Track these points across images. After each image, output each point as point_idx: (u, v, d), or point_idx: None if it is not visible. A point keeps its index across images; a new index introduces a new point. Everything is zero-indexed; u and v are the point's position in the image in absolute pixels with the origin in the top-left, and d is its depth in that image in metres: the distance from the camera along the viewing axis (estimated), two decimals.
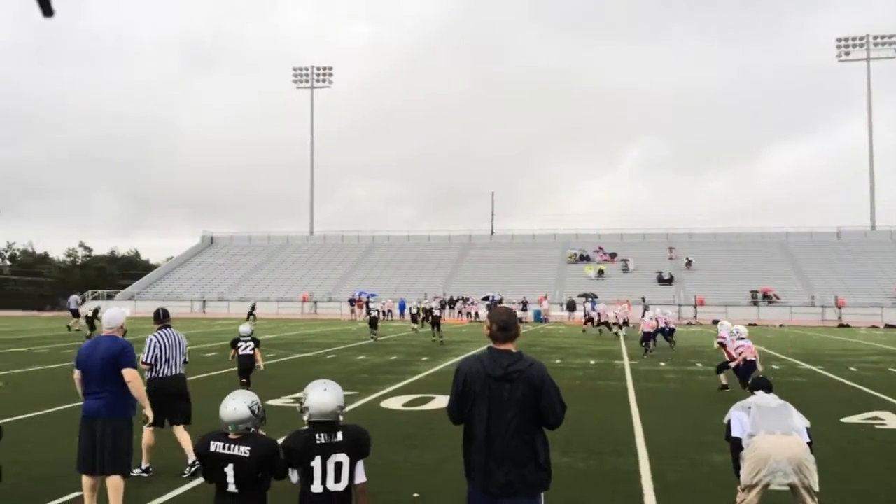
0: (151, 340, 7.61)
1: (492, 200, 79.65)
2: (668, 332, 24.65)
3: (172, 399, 7.56)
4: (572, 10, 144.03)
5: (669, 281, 59.00)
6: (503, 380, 3.98)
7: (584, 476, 7.51)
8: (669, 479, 7.38)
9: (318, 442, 3.87)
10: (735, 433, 5.58)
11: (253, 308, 45.30)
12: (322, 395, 3.97)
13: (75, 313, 35.34)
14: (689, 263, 62.05)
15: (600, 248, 66.88)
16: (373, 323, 28.36)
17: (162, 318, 8.06)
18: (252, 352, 12.73)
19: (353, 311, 50.53)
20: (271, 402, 11.51)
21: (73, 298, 37.85)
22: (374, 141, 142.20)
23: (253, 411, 3.97)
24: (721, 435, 5.88)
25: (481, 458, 3.99)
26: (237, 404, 3.94)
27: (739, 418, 5.62)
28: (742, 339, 12.65)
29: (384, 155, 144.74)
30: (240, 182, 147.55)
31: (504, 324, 4.12)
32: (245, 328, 12.93)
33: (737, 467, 5.53)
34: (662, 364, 19.14)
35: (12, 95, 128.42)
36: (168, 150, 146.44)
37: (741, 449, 5.47)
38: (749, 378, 11.76)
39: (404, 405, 11.86)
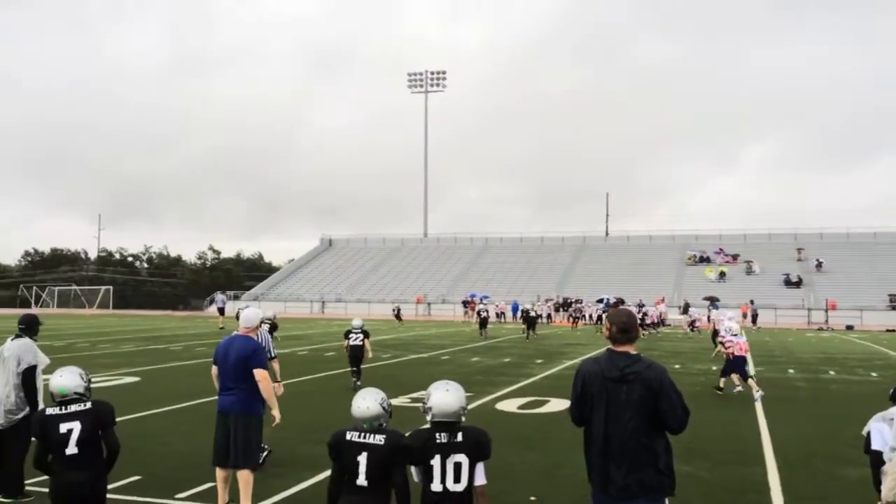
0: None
1: (606, 201, 78.31)
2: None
3: None
4: (693, 5, 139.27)
5: (798, 284, 55.93)
6: (620, 381, 3.97)
7: (709, 486, 7.25)
8: (801, 493, 7.01)
9: (438, 441, 3.93)
10: (875, 446, 5.24)
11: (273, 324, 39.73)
12: (445, 396, 4.04)
13: (222, 311, 37.76)
14: (819, 265, 58.60)
15: (721, 250, 64.24)
16: (483, 323, 30.08)
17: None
18: (361, 342, 13.89)
19: (466, 313, 50.87)
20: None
21: (220, 297, 40.27)
22: (487, 143, 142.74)
23: (384, 407, 4.12)
24: (858, 447, 5.54)
25: (600, 459, 3.99)
26: (369, 403, 4.09)
27: (880, 430, 5.28)
28: (734, 335, 13.40)
29: (497, 157, 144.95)
30: (357, 186, 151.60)
31: (624, 325, 4.11)
32: (357, 322, 14.24)
33: (877, 482, 5.18)
34: (791, 371, 18.19)
35: (151, 109, 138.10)
36: (291, 156, 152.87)
37: (882, 463, 5.13)
38: (736, 372, 13.57)
39: (519, 407, 11.85)
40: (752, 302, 46.59)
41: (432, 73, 79.41)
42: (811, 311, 50.64)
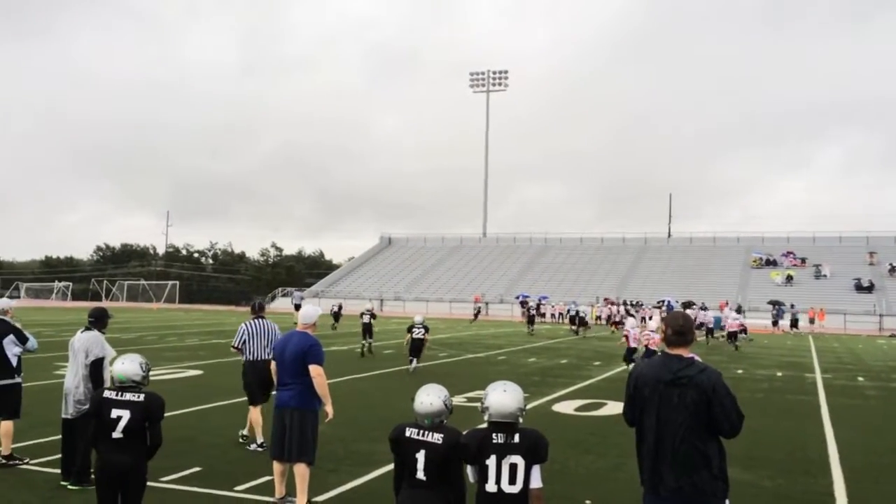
0: (241, 328, 8.72)
1: (669, 201, 77.00)
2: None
3: (260, 380, 8.35)
4: (751, 8, 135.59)
5: (869, 289, 53.84)
6: (672, 384, 3.95)
7: (772, 495, 7.04)
8: None
9: (494, 441, 3.92)
10: None
11: (339, 310, 39.36)
12: (502, 396, 4.02)
13: (298, 307, 38.73)
14: (892, 270, 56.27)
15: (790, 252, 62.29)
16: (531, 320, 35.01)
17: (257, 309, 9.09)
18: (423, 336, 16.71)
19: (523, 314, 50.65)
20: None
21: (298, 294, 41.49)
22: (551, 142, 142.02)
23: (445, 404, 4.14)
24: None
25: (651, 462, 4.00)
26: (432, 399, 4.11)
27: None
28: (652, 331, 15.20)
29: (558, 156, 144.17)
30: (419, 185, 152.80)
31: (680, 328, 4.09)
32: (418, 318, 17.17)
33: None
34: (861, 379, 17.53)
35: (222, 109, 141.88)
36: (355, 156, 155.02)
37: None
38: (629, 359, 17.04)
39: (576, 409, 11.73)
40: (792, 306, 45.46)
41: (494, 73, 79.23)
42: (883, 316, 48.69)
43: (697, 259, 65.06)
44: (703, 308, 37.68)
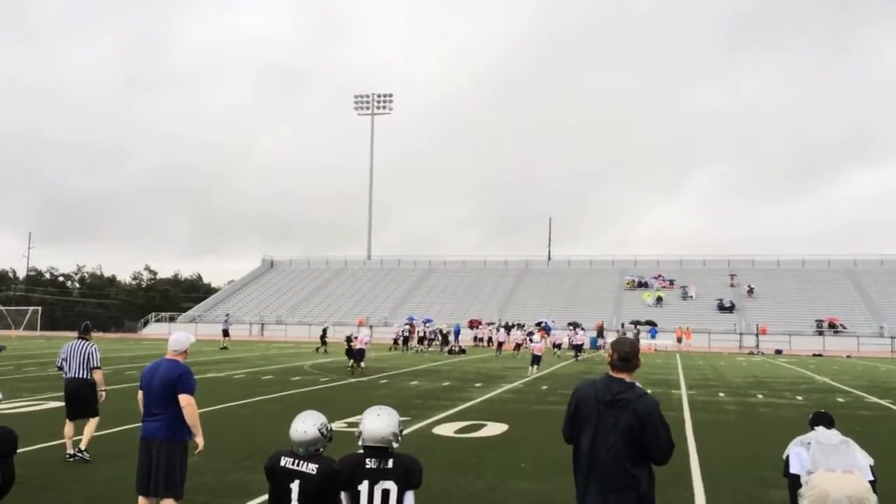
0: (63, 348, 9.39)
1: (549, 226, 79.37)
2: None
3: (75, 397, 9.15)
4: (641, 40, 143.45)
5: (730, 309, 57.60)
6: (610, 405, 4.12)
7: None
8: None
9: (367, 466, 3.90)
10: (794, 469, 5.40)
11: (324, 334, 39.17)
12: (375, 421, 4.01)
13: (226, 333, 38.14)
14: (751, 291, 60.51)
15: (659, 275, 65.78)
16: (406, 342, 36.74)
17: (82, 331, 9.61)
18: (365, 345, 22.90)
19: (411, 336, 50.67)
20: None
21: (224, 318, 40.75)
22: (438, 166, 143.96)
23: (322, 433, 4.07)
24: (781, 470, 5.70)
25: (584, 479, 4.15)
26: (307, 427, 4.04)
27: (798, 454, 5.45)
28: (535, 342, 20.23)
29: (447, 181, 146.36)
30: (302, 208, 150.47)
31: (626, 355, 4.28)
32: (364, 330, 20.11)
33: None
34: (722, 395, 18.65)
35: (97, 124, 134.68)
36: (238, 177, 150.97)
37: (799, 486, 5.29)
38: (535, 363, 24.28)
39: (456, 432, 11.83)
40: (622, 325, 48.77)
41: (379, 96, 79.66)
42: (743, 335, 52.14)
43: (575, 281, 67.53)
44: (580, 327, 39.10)
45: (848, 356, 43.27)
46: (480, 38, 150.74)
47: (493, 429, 11.98)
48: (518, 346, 39.45)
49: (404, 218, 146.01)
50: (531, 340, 25.95)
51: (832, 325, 52.70)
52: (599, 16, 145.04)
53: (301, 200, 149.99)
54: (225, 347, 36.34)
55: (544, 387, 19.88)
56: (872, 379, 25.36)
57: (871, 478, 5.20)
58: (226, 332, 38.60)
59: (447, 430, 12.04)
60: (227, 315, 46.91)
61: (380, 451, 3.95)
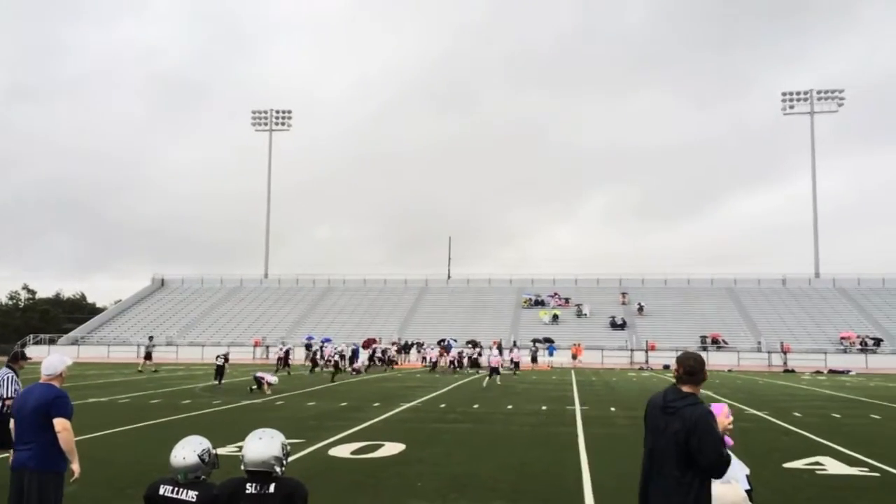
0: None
1: (449, 245, 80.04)
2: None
3: None
4: (545, 65, 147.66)
5: (622, 326, 59.69)
6: (663, 411, 4.39)
7: None
8: None
9: (247, 491, 3.78)
10: None
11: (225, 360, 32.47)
12: (255, 445, 3.88)
13: (149, 356, 36.51)
14: (641, 309, 62.94)
15: (555, 294, 67.48)
16: (285, 363, 35.49)
17: (10, 358, 9.23)
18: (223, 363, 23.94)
19: (306, 357, 49.81)
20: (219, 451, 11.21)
21: (147, 342, 39.52)
22: (339, 186, 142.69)
23: (203, 459, 3.92)
24: None
25: (643, 482, 4.48)
26: (186, 453, 3.90)
27: None
28: (496, 356, 22.45)
29: (348, 200, 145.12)
30: (197, 225, 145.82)
31: (691, 368, 4.45)
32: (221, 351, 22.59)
33: None
34: (613, 409, 19.25)
35: None
36: (131, 192, 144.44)
37: None
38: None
39: (353, 453, 11.67)
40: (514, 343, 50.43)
41: (278, 112, 78.41)
42: (633, 351, 54.08)
43: (474, 299, 68.32)
44: (474, 343, 39.56)
45: (729, 370, 45.63)
46: (387, 59, 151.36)
47: (391, 448, 11.90)
48: (452, 364, 40.97)
49: (305, 237, 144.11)
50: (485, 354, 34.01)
51: (715, 341, 55.48)
52: (503, 41, 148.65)
53: (196, 217, 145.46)
54: (141, 371, 35.13)
55: (442, 405, 19.94)
56: (751, 392, 26.82)
57: (748, 487, 5.46)
58: (148, 356, 37.13)
59: (343, 451, 11.86)
60: (151, 337, 44.68)
61: (262, 475, 3.82)
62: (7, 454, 6.25)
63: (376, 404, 19.86)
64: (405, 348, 51.27)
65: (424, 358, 43.92)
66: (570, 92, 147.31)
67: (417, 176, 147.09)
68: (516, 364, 40.12)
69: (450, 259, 78.90)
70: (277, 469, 3.86)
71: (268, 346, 58.06)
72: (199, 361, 48.14)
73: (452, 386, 27.92)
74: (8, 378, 8.92)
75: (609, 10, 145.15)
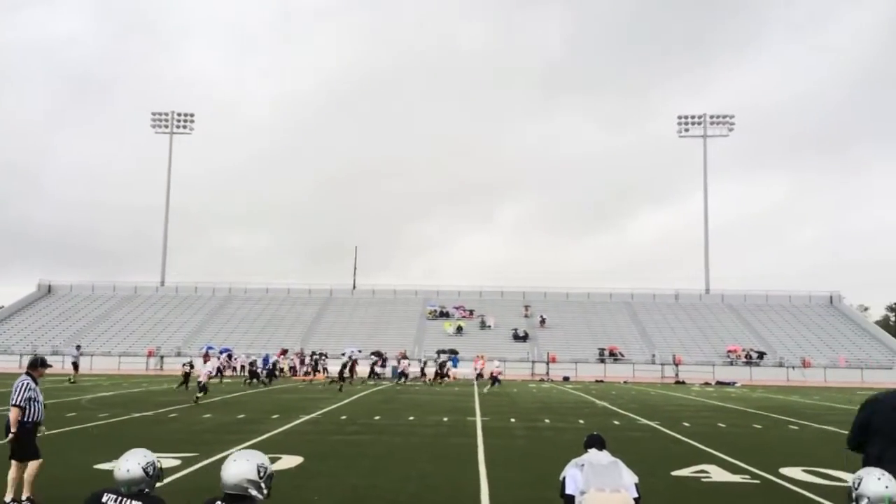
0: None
1: (355, 255, 79.46)
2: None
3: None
4: (460, 80, 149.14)
5: (524, 338, 60.74)
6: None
7: None
8: None
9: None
10: (569, 490, 5.73)
11: (191, 367, 30.80)
12: (229, 467, 3.85)
13: (76, 366, 36.49)
14: (543, 321, 64.26)
15: (460, 306, 68.02)
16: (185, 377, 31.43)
17: (29, 365, 8.80)
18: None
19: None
20: (100, 467, 10.68)
21: (72, 351, 37.95)
22: (243, 194, 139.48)
23: (147, 472, 3.88)
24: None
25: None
26: (130, 465, 3.87)
27: (573, 476, 5.79)
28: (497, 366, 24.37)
29: (255, 207, 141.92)
30: (91, 229, 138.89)
31: None
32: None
33: None
34: (513, 420, 19.53)
35: None
36: (15, 192, 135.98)
37: None
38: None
39: None
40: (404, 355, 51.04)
41: (179, 115, 75.93)
42: (535, 363, 55.10)
43: (379, 310, 68.02)
44: (379, 354, 39.36)
45: (625, 382, 47.18)
46: (302, 66, 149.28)
47: (288, 462, 11.65)
48: (438, 375, 40.80)
49: (207, 245, 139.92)
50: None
51: (612, 353, 57.26)
52: (422, 54, 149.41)
53: (91, 221, 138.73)
54: (73, 382, 33.46)
55: (343, 417, 19.71)
56: (644, 402, 27.80)
57: (636, 495, 5.65)
58: (76, 365, 35.99)
59: None
60: (78, 346, 42.13)
61: (238, 498, 3.76)
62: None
63: (275, 416, 19.42)
64: (312, 359, 50.43)
65: (326, 369, 43.30)
66: (483, 108, 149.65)
67: (326, 185, 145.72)
68: (442, 375, 40.90)
69: (356, 269, 78.39)
70: (253, 492, 3.77)
71: (162, 357, 55.92)
72: (88, 372, 45.78)
73: (354, 397, 27.65)
74: (21, 385, 8.42)
75: (527, 31, 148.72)
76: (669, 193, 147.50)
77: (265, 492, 3.80)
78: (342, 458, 12.25)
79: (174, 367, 52.67)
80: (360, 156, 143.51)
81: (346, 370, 36.77)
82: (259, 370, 37.53)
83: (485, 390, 33.26)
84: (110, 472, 10.23)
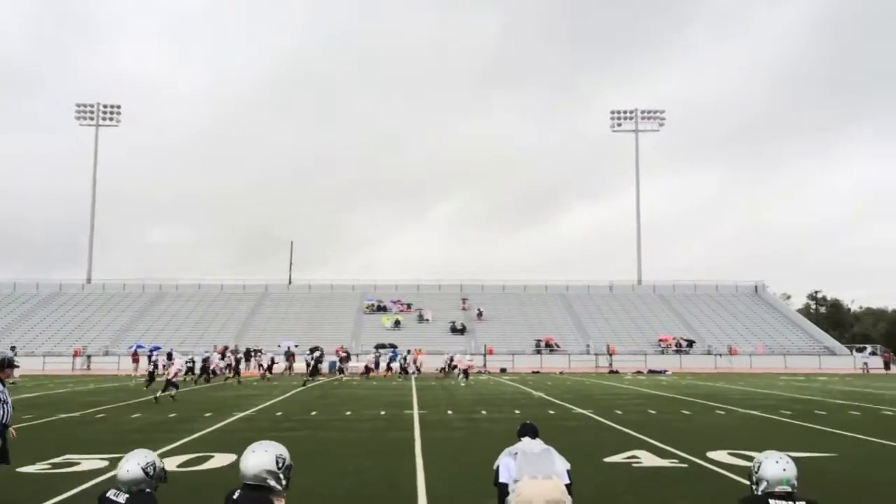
0: None
1: (291, 250, 78.47)
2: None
3: None
4: (397, 74, 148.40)
5: (462, 331, 61.09)
6: None
7: None
8: None
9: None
10: (502, 479, 5.80)
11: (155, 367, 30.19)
12: (248, 458, 3.98)
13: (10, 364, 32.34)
14: (480, 314, 64.74)
15: (398, 300, 67.92)
16: (152, 377, 28.44)
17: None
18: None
19: (135, 368, 46.86)
20: (23, 470, 10.29)
21: (8, 353, 34.75)
22: (175, 188, 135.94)
23: (147, 472, 3.91)
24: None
25: None
26: (130, 466, 3.90)
27: (506, 464, 5.86)
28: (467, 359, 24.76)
29: (187, 202, 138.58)
30: (13, 225, 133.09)
31: None
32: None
33: None
34: (450, 413, 19.62)
35: None
36: None
37: (507, 494, 5.69)
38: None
39: (179, 466, 11.10)
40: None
41: (105, 107, 73.47)
42: (473, 355, 55.43)
43: (316, 305, 67.37)
44: (315, 349, 38.96)
45: (561, 372, 47.97)
46: (237, 59, 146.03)
47: (221, 460, 11.44)
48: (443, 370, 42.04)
49: (136, 241, 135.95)
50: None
51: (548, 345, 58.14)
52: (358, 47, 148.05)
53: (12, 217, 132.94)
54: (14, 383, 31.72)
55: (279, 413, 19.46)
56: (579, 392, 28.32)
57: (568, 481, 5.75)
58: (10, 364, 33.69)
59: (170, 464, 11.23)
60: (13, 347, 40.06)
61: (255, 489, 3.86)
62: None
63: (208, 414, 19.03)
64: (246, 356, 49.54)
65: (261, 365, 42.64)
66: (417, 103, 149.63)
67: (261, 179, 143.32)
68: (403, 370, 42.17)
69: (291, 264, 77.49)
70: (272, 482, 3.83)
71: (89, 356, 54.14)
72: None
73: (290, 394, 27.33)
74: None
75: (460, 27, 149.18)
76: (603, 187, 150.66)
77: (284, 482, 3.89)
78: None
79: (102, 367, 51.09)
80: (295, 149, 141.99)
81: (315, 363, 36.33)
82: (195, 368, 36.66)
83: (462, 384, 34.17)
84: (35, 474, 9.88)
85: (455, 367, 42.41)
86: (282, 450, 3.99)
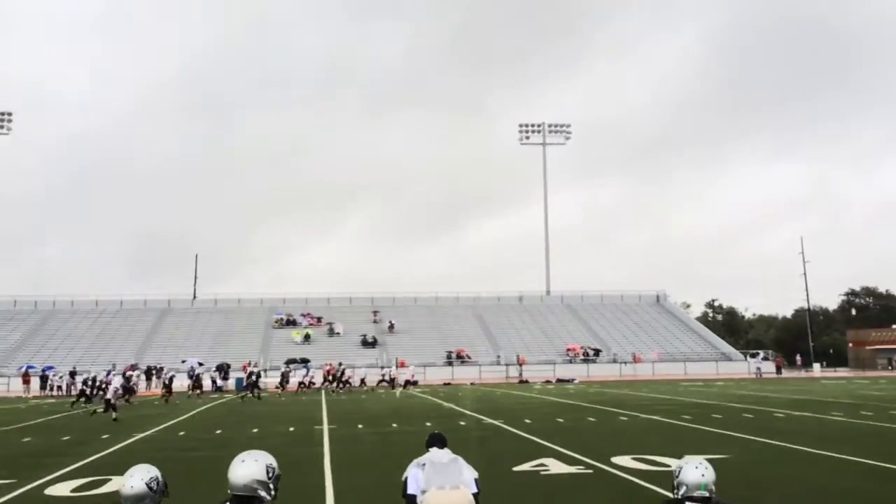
0: None
1: (195, 263, 76.10)
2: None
3: None
4: (304, 86, 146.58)
5: (373, 344, 60.71)
6: None
7: None
8: None
9: None
10: (410, 490, 5.78)
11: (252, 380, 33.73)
12: (236, 468, 3.89)
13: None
14: (391, 327, 64.52)
15: (308, 313, 66.87)
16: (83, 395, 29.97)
17: None
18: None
19: (26, 390, 44.26)
20: None
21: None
22: (70, 200, 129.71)
23: (150, 487, 3.80)
24: None
25: None
26: (134, 482, 3.82)
27: (415, 475, 5.84)
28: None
29: (82, 215, 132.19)
30: None
31: None
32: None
33: None
34: (360, 426, 19.44)
35: None
36: None
37: None
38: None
39: (73, 490, 10.55)
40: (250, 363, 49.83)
41: None
42: (383, 368, 55.10)
43: (222, 321, 65.52)
44: (222, 367, 37.87)
45: (472, 383, 48.29)
46: (136, 66, 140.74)
47: (118, 483, 10.92)
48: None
49: (27, 255, 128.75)
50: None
51: (459, 356, 58.48)
52: (264, 60, 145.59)
53: None
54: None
55: (182, 433, 18.78)
56: (489, 402, 28.61)
57: (475, 490, 5.79)
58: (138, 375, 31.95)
59: (63, 489, 10.69)
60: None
61: (246, 500, 3.75)
62: None
63: (105, 436, 18.17)
64: (146, 375, 47.58)
65: (165, 383, 41.01)
66: (325, 116, 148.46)
67: (164, 191, 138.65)
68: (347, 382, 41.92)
69: (196, 278, 75.08)
70: (262, 493, 3.72)
71: None
72: None
73: (195, 412, 26.44)
74: None
75: (369, 39, 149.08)
76: (512, 200, 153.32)
77: (273, 493, 3.80)
78: (179, 477, 11.65)
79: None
80: (195, 160, 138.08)
81: (253, 378, 35.08)
82: (93, 390, 34.81)
83: (397, 394, 35.66)
84: None
85: (393, 379, 42.45)
86: (270, 459, 3.96)
